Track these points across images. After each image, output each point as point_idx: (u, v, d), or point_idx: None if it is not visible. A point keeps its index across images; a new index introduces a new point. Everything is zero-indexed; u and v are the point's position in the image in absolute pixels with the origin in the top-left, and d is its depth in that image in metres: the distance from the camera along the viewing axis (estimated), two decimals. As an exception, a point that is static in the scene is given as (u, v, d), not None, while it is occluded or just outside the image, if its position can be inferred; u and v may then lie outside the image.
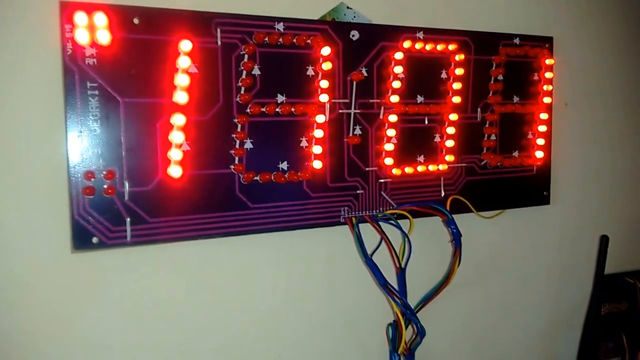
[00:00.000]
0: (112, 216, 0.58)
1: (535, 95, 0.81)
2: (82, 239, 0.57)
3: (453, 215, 0.76)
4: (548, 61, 0.81)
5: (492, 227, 0.81)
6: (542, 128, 0.81)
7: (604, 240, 0.84)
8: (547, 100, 0.81)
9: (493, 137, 0.78)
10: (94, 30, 0.55)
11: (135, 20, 0.57)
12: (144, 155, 0.58)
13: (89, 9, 0.55)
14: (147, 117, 0.58)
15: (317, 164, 0.66)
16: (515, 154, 0.80)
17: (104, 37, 0.56)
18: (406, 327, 0.68)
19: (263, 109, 0.64)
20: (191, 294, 0.64)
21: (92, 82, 0.56)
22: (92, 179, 0.56)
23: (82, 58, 0.55)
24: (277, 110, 0.64)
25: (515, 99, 0.80)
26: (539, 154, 0.81)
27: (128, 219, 0.58)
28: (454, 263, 0.72)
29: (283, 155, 0.65)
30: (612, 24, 0.89)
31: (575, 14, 0.86)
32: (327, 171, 0.68)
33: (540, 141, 0.81)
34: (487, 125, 0.78)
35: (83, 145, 0.56)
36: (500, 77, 0.78)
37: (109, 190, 0.57)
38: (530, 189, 0.82)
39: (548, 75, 0.81)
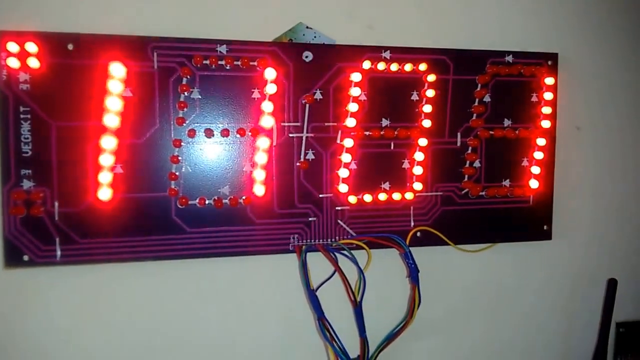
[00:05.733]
0: (42, 235, 0.60)
1: (533, 118, 0.73)
2: (13, 256, 0.59)
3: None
4: (548, 80, 0.72)
5: (479, 263, 0.74)
6: (539, 155, 0.72)
7: (611, 285, 0.73)
8: (546, 124, 0.72)
9: (477, 164, 0.71)
10: (26, 58, 0.58)
11: (70, 46, 0.59)
12: (75, 177, 0.60)
13: (24, 38, 0.57)
14: (79, 140, 0.60)
15: (259, 190, 0.64)
16: (506, 183, 0.72)
17: (35, 64, 0.58)
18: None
19: (202, 133, 0.63)
20: (121, 316, 0.64)
21: (24, 106, 0.58)
22: (23, 199, 0.59)
23: (16, 84, 0.58)
24: (216, 133, 0.63)
25: (507, 122, 0.72)
26: (534, 184, 0.72)
27: (57, 239, 0.60)
28: (412, 302, 0.66)
29: (224, 180, 0.64)
30: (629, 38, 0.77)
31: (586, 27, 0.76)
32: (274, 197, 0.65)
33: (536, 170, 0.72)
34: (468, 152, 0.71)
35: (14, 166, 0.58)
36: (487, 99, 0.71)
37: (39, 210, 0.59)
38: (526, 221, 0.74)
39: (548, 96, 0.72)
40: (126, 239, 0.61)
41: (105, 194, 0.60)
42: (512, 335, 0.76)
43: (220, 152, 0.64)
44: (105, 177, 0.60)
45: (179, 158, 0.62)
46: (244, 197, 0.64)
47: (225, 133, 0.63)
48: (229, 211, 0.64)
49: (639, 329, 0.78)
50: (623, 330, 0.77)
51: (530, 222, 0.74)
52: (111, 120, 0.60)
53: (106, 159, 0.60)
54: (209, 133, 0.63)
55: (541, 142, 0.72)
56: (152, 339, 0.65)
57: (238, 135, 0.64)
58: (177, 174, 0.62)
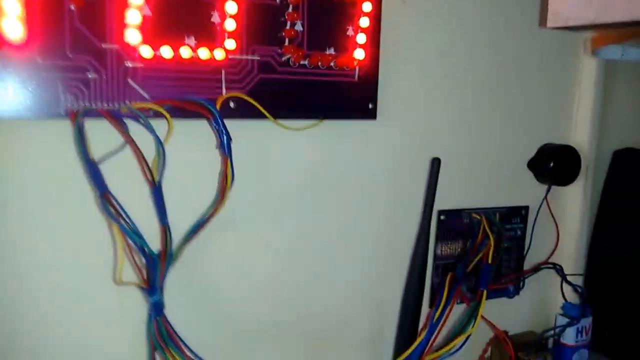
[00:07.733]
0: None
1: (359, -21, 0.64)
2: None
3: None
4: (376, -62, 0.64)
5: (301, 141, 0.64)
6: (365, 22, 0.65)
7: (435, 164, 0.69)
8: (372, -14, 0.65)
9: (299, 27, 0.61)
10: None
11: None
12: None
13: None
14: None
15: (15, 31, 0.47)
16: (331, 50, 0.63)
17: None
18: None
19: None
20: None
21: None
22: None
23: None
24: (-60, -61, 0.44)
25: (332, -20, 0.63)
26: (359, 54, 0.65)
27: None
28: (224, 178, 0.55)
29: (-43, 10, 0.46)
30: None
31: None
32: (36, 42, 0.49)
33: (362, 38, 0.65)
34: (289, 10, 0.60)
35: None
36: (310, -51, 0.61)
37: None
38: (351, 99, 0.66)
39: (375, -45, 0.64)
40: None
41: None
42: (336, 220, 0.68)
43: (-52, -31, 0.45)
44: None
45: None
46: (-10, 39, 0.46)
47: (-45, -59, 0.44)
48: (-32, 57, 0.46)
49: (457, 216, 0.76)
50: (444, 217, 0.75)
51: (355, 99, 0.66)
52: None
53: None
54: None
55: (367, 7, 0.64)
56: None
57: (-23, -52, 0.45)
58: None
